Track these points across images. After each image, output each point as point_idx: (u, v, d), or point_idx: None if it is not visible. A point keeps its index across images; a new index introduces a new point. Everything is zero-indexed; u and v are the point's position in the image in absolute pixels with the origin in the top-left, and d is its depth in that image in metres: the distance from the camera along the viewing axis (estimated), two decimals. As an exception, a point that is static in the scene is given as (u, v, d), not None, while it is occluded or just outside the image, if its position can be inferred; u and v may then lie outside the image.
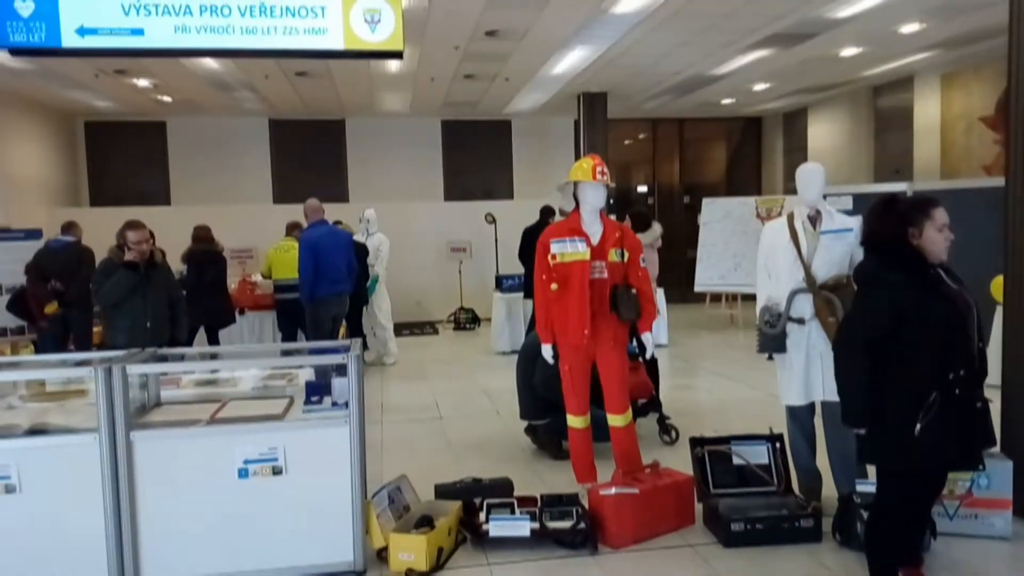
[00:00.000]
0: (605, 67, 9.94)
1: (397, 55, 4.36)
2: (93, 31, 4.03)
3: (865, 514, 3.31)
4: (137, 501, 3.25)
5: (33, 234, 8.47)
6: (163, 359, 3.91)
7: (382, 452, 5.21)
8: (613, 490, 3.76)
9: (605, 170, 4.17)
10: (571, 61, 9.66)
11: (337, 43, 4.18)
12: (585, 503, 3.83)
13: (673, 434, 5.31)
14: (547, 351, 4.26)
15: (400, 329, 10.10)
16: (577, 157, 12.20)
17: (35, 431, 3.35)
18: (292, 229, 8.53)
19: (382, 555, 3.53)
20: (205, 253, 7.60)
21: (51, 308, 6.90)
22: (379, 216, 9.17)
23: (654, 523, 3.80)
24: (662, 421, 5.37)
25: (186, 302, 5.42)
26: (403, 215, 11.68)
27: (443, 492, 4.09)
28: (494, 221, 11.44)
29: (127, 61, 8.76)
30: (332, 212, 10.65)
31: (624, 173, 14.71)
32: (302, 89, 10.95)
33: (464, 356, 9.47)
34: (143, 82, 10.14)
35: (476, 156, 13.99)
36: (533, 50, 9.07)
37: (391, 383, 7.84)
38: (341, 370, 3.53)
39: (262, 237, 10.00)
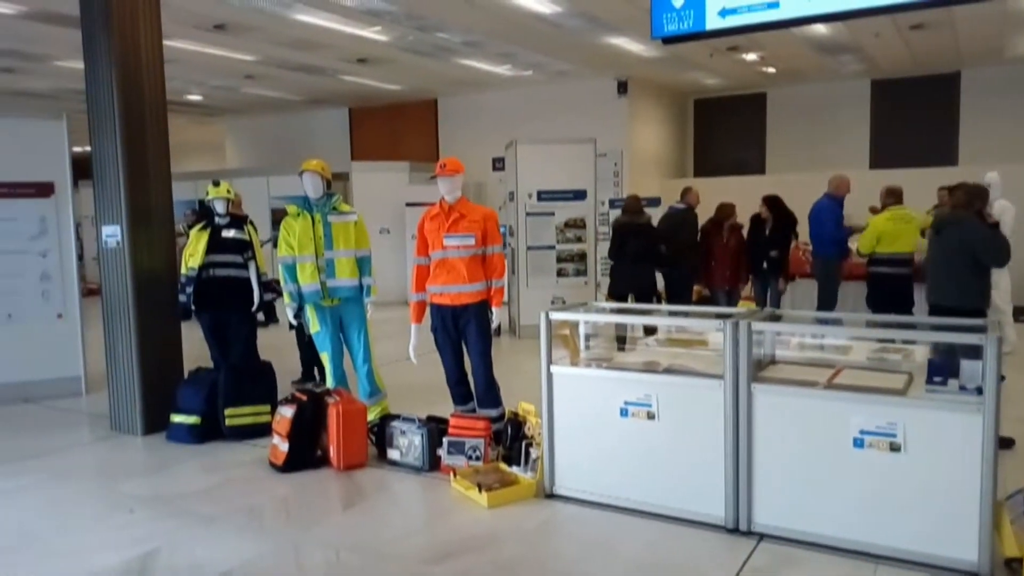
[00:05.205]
0: None
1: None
2: (733, 11, 4.36)
3: None
4: (754, 447, 3.50)
5: (652, 202, 9.82)
6: (778, 319, 4.09)
7: (1011, 453, 4.53)
8: None
9: None
10: None
11: (994, -19, 3.66)
12: None
13: None
14: None
15: (1019, 313, 8.55)
16: None
17: (670, 371, 3.86)
18: (889, 196, 7.68)
19: (1012, 566, 3.08)
20: (629, 224, 7.77)
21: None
22: (1002, 179, 7.86)
23: None
24: None
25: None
26: (1029, 178, 9.73)
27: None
28: None
29: (740, 38, 9.29)
30: (938, 177, 9.61)
31: None
32: (914, 43, 10.04)
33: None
34: (751, 56, 10.67)
35: None
36: None
37: (1013, 374, 6.69)
38: (974, 352, 3.17)
39: (855, 204, 9.53)
